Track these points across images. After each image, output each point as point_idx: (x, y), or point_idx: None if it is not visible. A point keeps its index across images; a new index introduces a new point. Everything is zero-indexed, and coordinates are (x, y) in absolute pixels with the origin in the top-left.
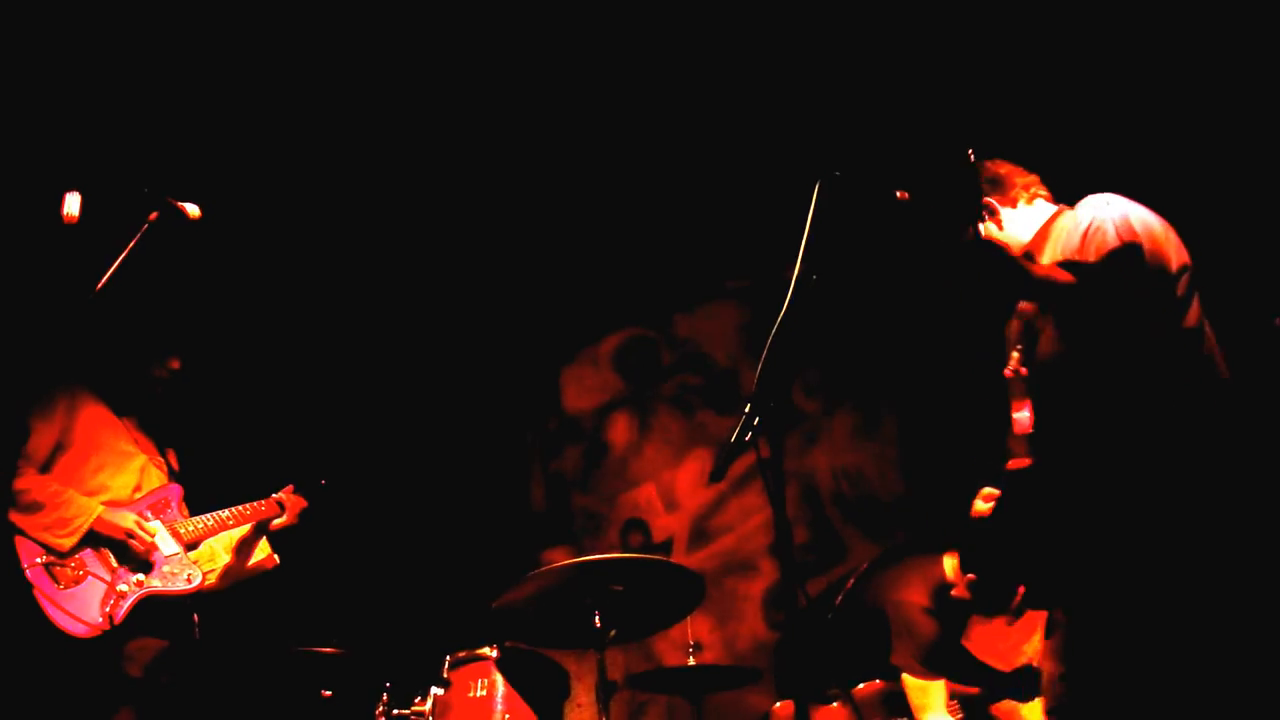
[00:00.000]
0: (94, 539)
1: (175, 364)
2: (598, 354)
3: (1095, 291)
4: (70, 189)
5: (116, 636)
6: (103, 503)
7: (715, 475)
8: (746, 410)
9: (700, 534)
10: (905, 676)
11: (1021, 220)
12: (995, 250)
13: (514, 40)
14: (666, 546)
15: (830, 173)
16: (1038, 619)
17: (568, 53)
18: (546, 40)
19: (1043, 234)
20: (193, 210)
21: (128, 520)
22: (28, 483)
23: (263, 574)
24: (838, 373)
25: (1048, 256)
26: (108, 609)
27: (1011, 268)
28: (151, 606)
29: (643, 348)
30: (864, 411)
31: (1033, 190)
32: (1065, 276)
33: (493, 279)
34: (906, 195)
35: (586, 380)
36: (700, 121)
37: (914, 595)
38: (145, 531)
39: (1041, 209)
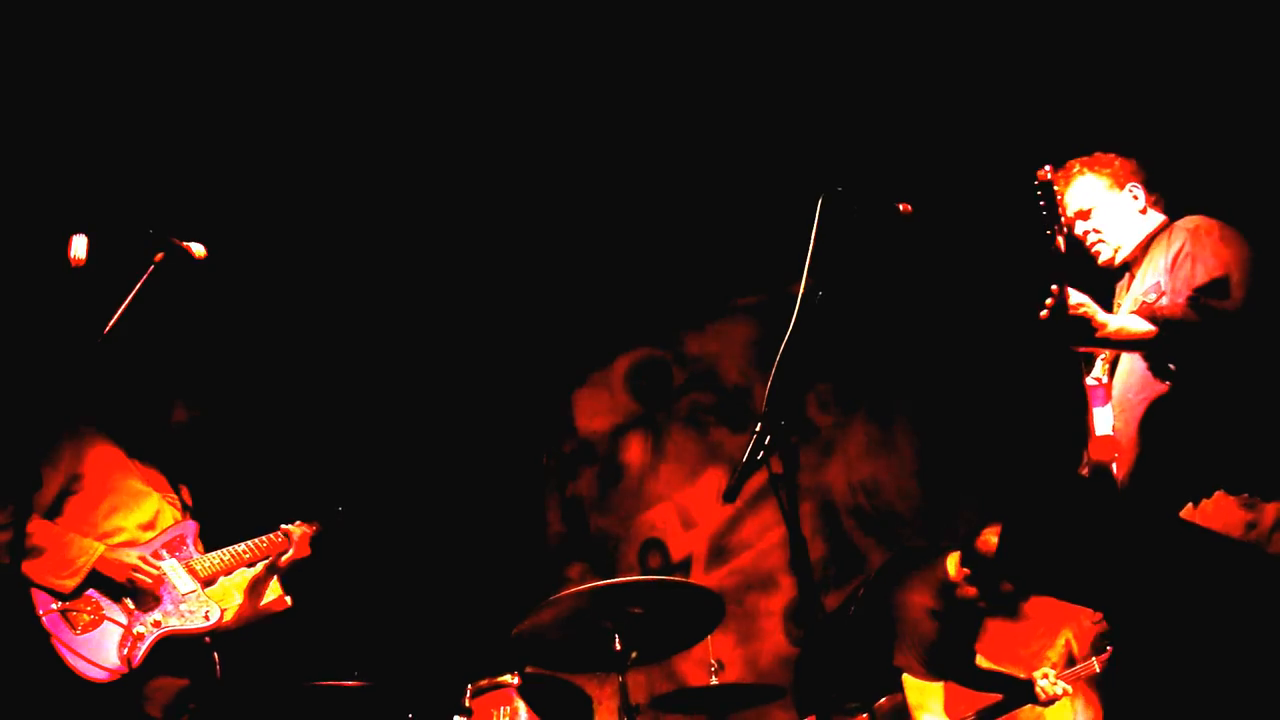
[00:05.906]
0: (101, 581)
1: (197, 413)
2: (610, 375)
3: (1175, 339)
4: (76, 232)
5: (135, 678)
6: (117, 544)
7: (729, 495)
8: (758, 429)
9: (719, 552)
10: (905, 677)
11: (1134, 218)
12: (1071, 319)
13: (519, 65)
14: (685, 566)
15: (832, 188)
16: (1059, 624)
17: (572, 75)
18: (552, 62)
19: (1144, 246)
20: (198, 250)
21: (130, 557)
22: (29, 528)
23: (274, 616)
24: (851, 385)
25: (1144, 271)
26: (125, 652)
27: (1085, 329)
28: (170, 645)
29: (654, 368)
30: (879, 423)
31: (1150, 195)
32: (1139, 333)
33: (503, 304)
34: (909, 208)
35: (600, 402)
36: (705, 138)
37: (918, 596)
38: (150, 566)
39: (1151, 218)
